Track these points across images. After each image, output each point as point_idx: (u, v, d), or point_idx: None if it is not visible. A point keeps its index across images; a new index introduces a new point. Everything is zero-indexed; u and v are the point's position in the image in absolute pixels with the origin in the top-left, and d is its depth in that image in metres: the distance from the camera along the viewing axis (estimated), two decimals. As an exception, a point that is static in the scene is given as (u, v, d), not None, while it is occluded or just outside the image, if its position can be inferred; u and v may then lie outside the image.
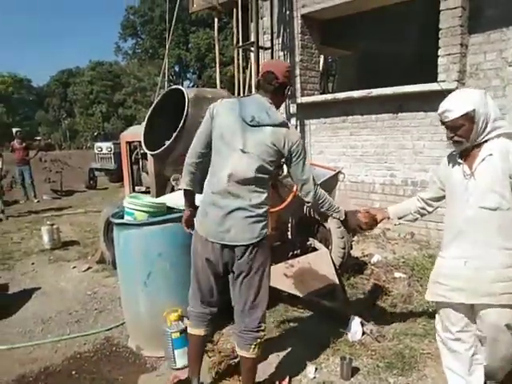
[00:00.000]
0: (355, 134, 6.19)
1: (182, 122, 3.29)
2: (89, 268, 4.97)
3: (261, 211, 2.13)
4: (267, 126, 2.10)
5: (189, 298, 2.37)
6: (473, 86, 4.91)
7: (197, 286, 2.29)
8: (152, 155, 3.68)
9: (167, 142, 3.45)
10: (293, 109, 6.96)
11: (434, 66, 5.07)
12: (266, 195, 2.16)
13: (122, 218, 2.86)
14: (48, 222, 6.18)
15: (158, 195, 4.16)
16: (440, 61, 4.97)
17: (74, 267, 5.05)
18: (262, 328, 2.25)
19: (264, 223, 2.15)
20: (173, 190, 3.94)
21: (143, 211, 2.72)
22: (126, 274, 2.90)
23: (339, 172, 5.34)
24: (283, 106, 7.03)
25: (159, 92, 14.76)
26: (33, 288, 4.41)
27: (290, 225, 4.43)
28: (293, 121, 7.00)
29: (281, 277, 3.51)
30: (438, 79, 4.96)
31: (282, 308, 3.52)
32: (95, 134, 25.09)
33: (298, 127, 6.94)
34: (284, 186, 3.77)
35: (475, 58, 4.91)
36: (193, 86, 33.45)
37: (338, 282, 3.62)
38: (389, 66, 7.91)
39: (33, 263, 5.32)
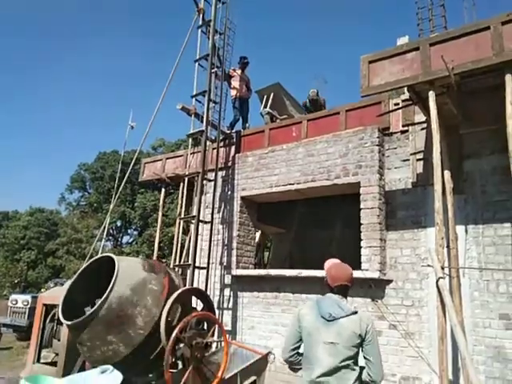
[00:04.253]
0: (287, 312, 6.19)
1: (106, 294, 3.16)
2: None
3: None
4: (342, 317, 2.61)
5: None
6: (393, 277, 5.33)
7: None
8: (68, 325, 3.39)
9: (87, 313, 3.23)
10: (227, 279, 7.00)
11: (357, 254, 5.53)
12: (352, 381, 2.54)
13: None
14: None
15: (65, 370, 3.71)
16: (363, 251, 5.45)
17: None
18: None
19: None
20: (82, 367, 3.54)
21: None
22: None
23: (269, 353, 5.15)
24: (218, 276, 7.09)
25: (96, 245, 14.50)
26: None
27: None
28: (226, 292, 6.97)
29: None
30: (362, 268, 5.36)
31: None
32: (16, 281, 23.10)
33: (231, 298, 6.89)
34: (209, 368, 3.53)
35: (393, 251, 5.46)
36: (131, 242, 33.20)
37: None
38: (318, 248, 8.53)
39: None
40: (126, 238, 35.57)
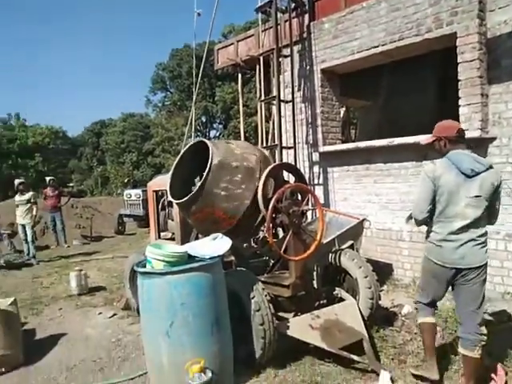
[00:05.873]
0: (379, 182, 6.19)
1: (206, 173, 3.40)
2: (114, 314, 5.02)
3: (484, 239, 2.83)
4: (483, 172, 2.74)
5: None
6: (497, 134, 4.92)
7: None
8: (177, 204, 3.79)
9: (192, 192, 3.56)
10: (315, 157, 7.06)
11: (455, 115, 5.12)
12: (486, 226, 2.86)
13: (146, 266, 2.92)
14: (76, 268, 6.33)
15: (182, 242, 4.25)
16: (461, 110, 5.02)
17: (100, 313, 5.11)
18: (484, 332, 2.84)
19: (487, 247, 2.85)
20: (197, 237, 4.01)
21: (160, 260, 2.75)
22: (148, 324, 2.89)
23: (364, 220, 5.32)
24: (306, 155, 7.17)
25: (186, 141, 15.33)
26: (59, 334, 4.48)
27: (315, 273, 4.38)
28: (316, 169, 7.09)
29: (306, 328, 3.44)
30: (460, 128, 4.99)
31: (308, 361, 3.43)
32: (125, 181, 25.85)
33: (321, 175, 7.02)
34: (308, 233, 3.79)
35: (497, 106, 4.94)
36: (219, 136, 34.42)
37: (366, 334, 3.51)
38: (409, 116, 8.02)
39: (60, 308, 5.43)
40: (212, 133, 36.96)
